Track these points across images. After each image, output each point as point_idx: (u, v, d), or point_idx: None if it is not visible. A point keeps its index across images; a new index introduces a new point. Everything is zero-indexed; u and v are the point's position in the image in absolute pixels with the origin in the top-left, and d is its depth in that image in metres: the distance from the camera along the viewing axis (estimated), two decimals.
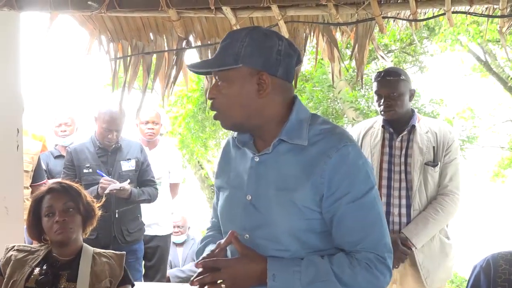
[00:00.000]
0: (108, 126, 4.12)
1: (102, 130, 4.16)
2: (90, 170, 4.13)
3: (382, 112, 3.19)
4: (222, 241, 1.75)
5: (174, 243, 5.60)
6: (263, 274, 1.65)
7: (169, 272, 5.30)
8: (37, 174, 4.25)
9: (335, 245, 1.72)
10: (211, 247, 1.86)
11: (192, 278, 1.70)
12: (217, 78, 1.75)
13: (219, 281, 1.67)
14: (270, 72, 1.71)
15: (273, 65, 1.71)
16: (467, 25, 7.89)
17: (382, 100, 3.17)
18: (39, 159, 4.29)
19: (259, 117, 1.74)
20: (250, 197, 1.76)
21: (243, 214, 1.77)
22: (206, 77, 3.77)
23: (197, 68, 1.80)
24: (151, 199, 4.30)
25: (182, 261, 5.63)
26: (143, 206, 4.38)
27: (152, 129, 4.87)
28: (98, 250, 2.66)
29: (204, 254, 1.82)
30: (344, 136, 1.74)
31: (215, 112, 1.78)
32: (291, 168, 1.71)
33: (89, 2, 3.19)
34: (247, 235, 1.75)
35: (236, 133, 1.88)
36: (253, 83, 1.70)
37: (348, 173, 1.67)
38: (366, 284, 1.66)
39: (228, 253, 1.82)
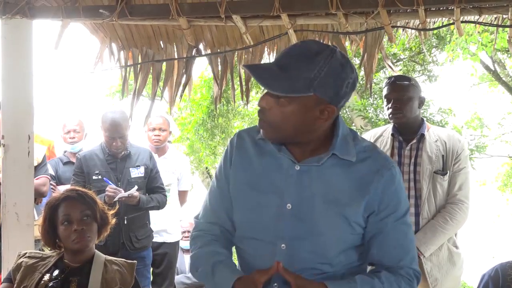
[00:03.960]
0: (110, 134, 4.12)
1: (106, 138, 4.16)
2: (99, 177, 4.13)
3: (390, 115, 3.19)
4: (264, 271, 1.67)
5: (182, 249, 5.59)
6: None
7: (175, 278, 5.30)
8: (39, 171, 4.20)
9: (372, 260, 1.77)
10: (227, 272, 1.75)
11: None
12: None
13: None
14: (336, 104, 1.66)
15: (340, 98, 1.67)
16: (478, 33, 7.86)
17: (391, 104, 3.17)
18: (44, 158, 4.29)
19: (307, 136, 1.71)
20: (290, 206, 1.72)
21: (280, 223, 1.73)
22: (217, 83, 3.78)
23: (264, 85, 1.66)
24: (159, 206, 4.31)
25: (189, 268, 5.63)
26: (152, 213, 4.39)
27: (159, 135, 4.86)
28: (109, 257, 2.65)
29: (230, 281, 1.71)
30: (387, 155, 1.84)
31: (260, 120, 1.71)
32: (341, 183, 1.72)
33: (101, 10, 3.22)
34: (284, 245, 1.72)
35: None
36: (316, 111, 1.65)
37: (396, 193, 1.74)
38: None
39: None
